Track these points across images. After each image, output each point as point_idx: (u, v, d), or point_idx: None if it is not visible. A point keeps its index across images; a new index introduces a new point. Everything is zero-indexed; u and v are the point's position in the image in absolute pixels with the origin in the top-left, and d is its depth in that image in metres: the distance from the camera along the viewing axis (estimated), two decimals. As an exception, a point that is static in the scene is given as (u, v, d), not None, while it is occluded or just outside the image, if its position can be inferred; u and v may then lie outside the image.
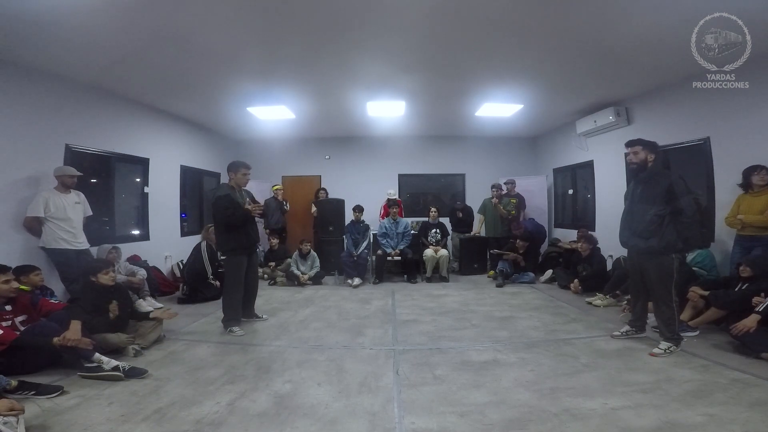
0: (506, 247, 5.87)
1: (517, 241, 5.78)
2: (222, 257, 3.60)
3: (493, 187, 6.55)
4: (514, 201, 6.46)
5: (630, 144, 2.95)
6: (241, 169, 3.55)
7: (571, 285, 4.84)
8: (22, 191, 3.60)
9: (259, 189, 6.86)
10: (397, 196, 7.01)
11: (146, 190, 5.32)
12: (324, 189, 7.12)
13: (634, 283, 3.13)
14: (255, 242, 3.73)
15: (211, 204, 3.50)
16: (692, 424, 1.85)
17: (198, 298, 4.63)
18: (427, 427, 1.90)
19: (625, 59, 3.82)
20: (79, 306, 2.74)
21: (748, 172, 3.42)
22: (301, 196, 7.74)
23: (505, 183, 6.65)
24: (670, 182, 2.73)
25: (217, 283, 4.68)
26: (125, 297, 3.17)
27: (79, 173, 3.75)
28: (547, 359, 2.74)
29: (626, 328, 3.17)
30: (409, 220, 6.51)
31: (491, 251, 6.04)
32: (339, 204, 6.70)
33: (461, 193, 8.07)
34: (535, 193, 7.25)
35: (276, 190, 6.86)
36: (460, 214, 6.67)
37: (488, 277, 6.04)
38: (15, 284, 2.72)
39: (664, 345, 2.78)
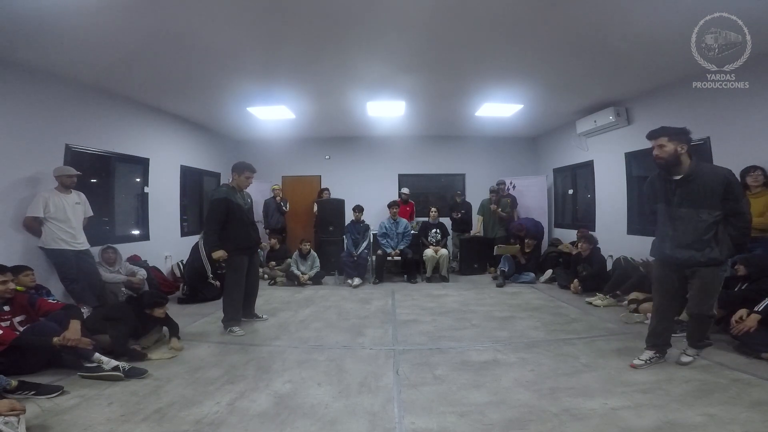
0: (511, 245, 5.87)
1: (526, 240, 5.78)
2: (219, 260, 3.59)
3: (491, 192, 6.59)
4: (508, 201, 6.56)
5: (653, 135, 2.44)
6: (245, 172, 3.55)
7: (571, 285, 4.84)
8: (22, 191, 3.60)
9: (259, 189, 6.88)
10: (409, 198, 7.05)
11: (146, 190, 5.32)
12: (327, 189, 7.14)
13: (664, 298, 2.61)
14: (256, 243, 3.73)
15: (208, 205, 3.52)
16: (692, 424, 1.85)
17: (198, 298, 4.62)
18: (427, 427, 1.90)
19: (625, 59, 3.82)
20: (123, 325, 2.81)
21: (744, 173, 3.39)
22: (301, 196, 7.75)
23: (498, 184, 6.72)
24: (727, 181, 2.27)
25: (218, 283, 4.67)
26: (170, 323, 3.19)
27: (77, 173, 3.74)
28: (547, 359, 2.74)
29: (649, 354, 2.60)
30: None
31: (498, 246, 6.02)
32: (339, 204, 6.70)
33: (461, 193, 8.07)
34: (535, 193, 7.26)
35: (274, 189, 6.88)
36: (458, 215, 6.68)
37: (491, 272, 6.11)
38: (12, 285, 2.71)
39: (692, 351, 2.59)
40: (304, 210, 7.67)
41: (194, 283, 4.72)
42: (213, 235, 3.41)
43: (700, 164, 2.41)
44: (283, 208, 6.85)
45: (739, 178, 3.30)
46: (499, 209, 6.42)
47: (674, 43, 3.29)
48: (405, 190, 7.08)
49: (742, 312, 2.67)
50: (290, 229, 7.33)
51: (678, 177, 2.40)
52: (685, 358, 2.57)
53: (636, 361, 2.59)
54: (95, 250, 4.09)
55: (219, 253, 3.39)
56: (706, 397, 2.11)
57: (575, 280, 4.81)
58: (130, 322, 2.89)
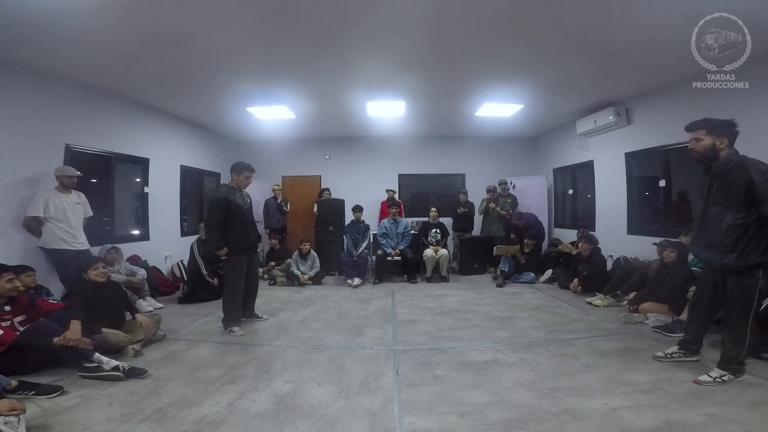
0: (513, 244, 5.91)
1: (525, 240, 5.80)
2: (222, 257, 3.60)
3: (488, 190, 6.61)
4: (509, 201, 6.60)
5: (690, 128, 2.32)
6: (244, 172, 3.55)
7: (571, 285, 4.84)
8: (23, 191, 3.60)
9: (259, 189, 6.89)
10: (396, 195, 7.01)
11: (146, 190, 5.33)
12: (327, 189, 7.15)
13: (698, 299, 2.55)
14: (256, 242, 3.73)
15: (208, 205, 3.53)
16: (692, 424, 1.85)
17: (198, 298, 4.62)
18: (427, 427, 1.90)
19: (625, 59, 3.83)
20: (73, 302, 2.73)
21: None
22: (301, 196, 7.75)
23: (499, 183, 6.77)
24: (750, 178, 2.07)
25: (215, 281, 4.67)
26: (119, 292, 3.20)
27: (78, 173, 3.75)
28: (547, 359, 2.74)
29: (673, 349, 2.63)
30: (409, 220, 6.53)
31: (498, 246, 6.05)
32: (339, 204, 6.71)
33: (465, 192, 8.07)
34: (535, 193, 7.26)
35: (276, 190, 6.90)
36: (463, 210, 6.67)
37: (491, 272, 6.11)
38: (17, 283, 2.72)
39: (715, 373, 2.29)
40: (304, 210, 7.67)
41: (195, 281, 4.71)
42: (216, 233, 3.41)
43: (734, 159, 2.19)
44: (284, 208, 6.85)
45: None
46: (498, 207, 6.42)
47: (674, 43, 3.29)
48: (391, 188, 7.03)
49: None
50: (290, 229, 7.33)
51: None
52: (703, 377, 2.30)
53: (658, 354, 2.63)
54: (97, 250, 4.09)
55: (222, 251, 3.40)
56: (706, 397, 2.11)
57: (575, 280, 4.81)
58: (80, 293, 2.84)
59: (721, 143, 2.22)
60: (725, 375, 2.28)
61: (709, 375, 2.30)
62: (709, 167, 2.30)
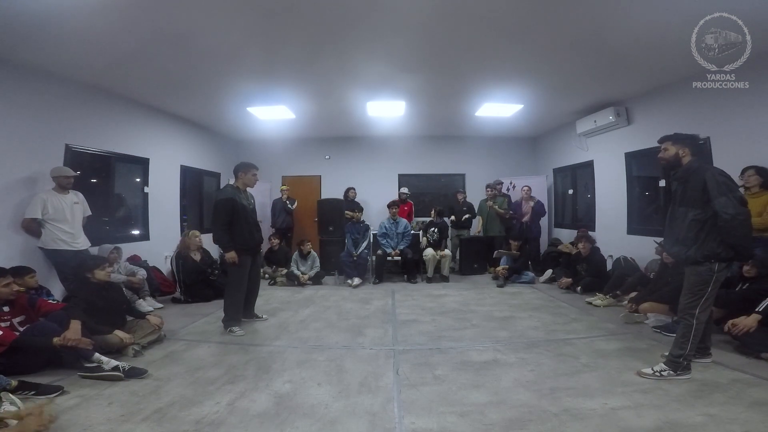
0: (504, 248, 5.99)
1: (511, 242, 5.86)
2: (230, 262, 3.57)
3: (487, 186, 6.62)
4: (505, 200, 6.64)
5: (660, 140, 2.62)
6: (251, 170, 3.58)
7: (562, 280, 4.96)
8: (22, 191, 3.60)
9: (259, 189, 6.86)
10: (407, 196, 7.04)
11: (146, 190, 5.33)
12: (353, 188, 7.08)
13: (676, 295, 2.65)
14: (259, 243, 3.73)
15: (213, 206, 3.53)
16: (692, 424, 1.85)
17: (199, 298, 4.62)
18: (427, 427, 1.90)
19: (625, 59, 3.83)
20: (75, 303, 2.74)
21: (740, 175, 3.39)
22: (302, 196, 7.73)
23: (494, 182, 6.81)
24: (704, 180, 2.29)
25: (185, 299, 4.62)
26: (119, 292, 3.22)
27: (75, 173, 3.74)
28: (547, 359, 2.74)
29: (661, 366, 2.55)
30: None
31: (498, 251, 6.09)
32: (339, 204, 6.71)
33: (463, 191, 8.07)
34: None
35: (283, 190, 6.96)
36: (463, 201, 6.66)
37: (491, 272, 6.12)
38: (15, 286, 2.72)
39: (658, 366, 2.42)
40: (305, 210, 7.66)
41: (191, 282, 4.70)
42: (224, 235, 3.39)
43: (694, 164, 2.42)
44: (289, 206, 6.85)
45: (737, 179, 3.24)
46: (496, 205, 6.42)
47: (674, 43, 3.29)
48: (404, 190, 7.10)
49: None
50: (296, 229, 7.32)
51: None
52: (645, 369, 2.43)
53: (645, 369, 2.48)
54: (96, 250, 4.08)
55: (231, 255, 3.38)
56: (706, 397, 2.11)
57: (563, 279, 4.93)
58: (81, 294, 2.85)
59: (684, 152, 2.48)
60: (665, 370, 2.39)
61: (652, 368, 2.42)
62: (670, 174, 2.61)
